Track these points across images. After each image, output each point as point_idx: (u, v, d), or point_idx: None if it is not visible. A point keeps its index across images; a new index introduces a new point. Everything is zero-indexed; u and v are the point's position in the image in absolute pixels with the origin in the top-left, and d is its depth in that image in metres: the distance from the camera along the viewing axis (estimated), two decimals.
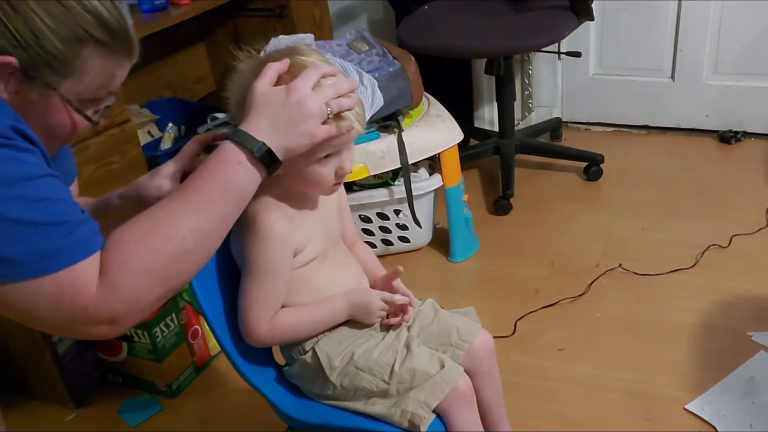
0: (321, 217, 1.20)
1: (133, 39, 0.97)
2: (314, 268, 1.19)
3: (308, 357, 1.20)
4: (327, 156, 1.08)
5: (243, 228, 1.10)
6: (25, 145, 0.86)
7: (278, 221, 1.11)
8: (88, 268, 0.86)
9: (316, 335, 1.20)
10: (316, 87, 1.00)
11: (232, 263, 1.18)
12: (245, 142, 0.96)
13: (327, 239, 1.21)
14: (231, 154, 0.96)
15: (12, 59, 0.88)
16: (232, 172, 0.95)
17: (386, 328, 1.23)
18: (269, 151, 0.96)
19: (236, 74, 1.10)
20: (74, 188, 1.22)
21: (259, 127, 0.97)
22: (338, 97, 1.02)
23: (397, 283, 1.25)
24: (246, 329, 1.15)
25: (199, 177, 0.95)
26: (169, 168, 1.14)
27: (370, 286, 1.28)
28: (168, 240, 0.90)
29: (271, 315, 1.15)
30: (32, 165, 0.86)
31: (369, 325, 1.22)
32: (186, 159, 1.15)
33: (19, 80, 0.90)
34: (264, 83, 1.00)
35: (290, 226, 1.13)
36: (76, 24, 0.90)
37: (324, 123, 1.00)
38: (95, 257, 0.88)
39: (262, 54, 1.12)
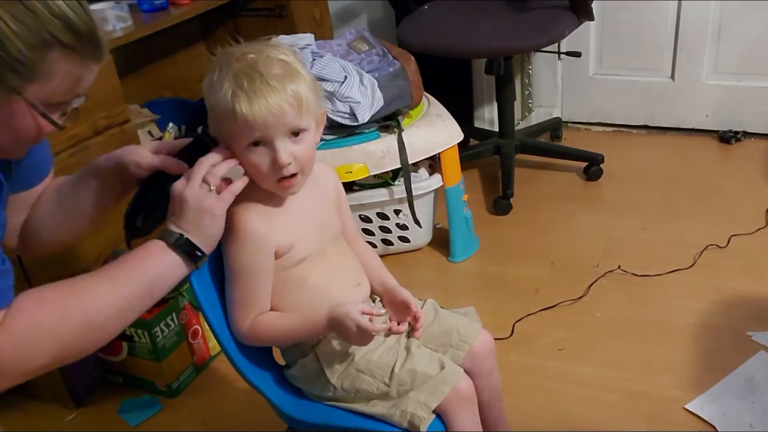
0: (312, 215, 1.19)
1: (101, 41, 0.95)
2: (308, 268, 1.18)
3: (309, 359, 1.20)
4: (257, 144, 1.07)
5: (225, 231, 1.11)
6: None
7: (253, 222, 1.11)
8: None
9: (298, 342, 1.21)
10: (190, 180, 1.05)
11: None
12: (164, 236, 1.04)
13: (322, 237, 1.20)
14: (158, 249, 1.04)
15: None
16: (158, 266, 1.03)
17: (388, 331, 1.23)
18: (188, 241, 1.04)
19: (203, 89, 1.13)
20: (50, 180, 1.23)
21: (180, 225, 1.05)
22: (212, 168, 1.06)
23: (413, 305, 1.21)
24: (231, 327, 1.17)
25: (125, 260, 1.01)
26: (153, 144, 1.17)
27: (375, 291, 1.28)
28: (83, 309, 0.94)
29: (251, 315, 1.15)
30: None
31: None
32: (170, 146, 1.16)
33: None
34: (182, 185, 1.06)
35: (268, 226, 1.12)
36: (42, 28, 0.88)
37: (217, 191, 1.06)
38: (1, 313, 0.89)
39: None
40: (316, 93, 1.10)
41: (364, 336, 1.12)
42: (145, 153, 1.14)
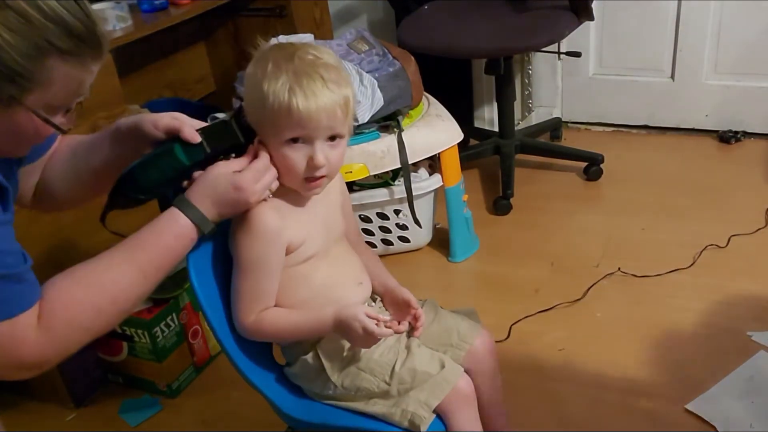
0: (321, 215, 1.20)
1: (100, 40, 0.92)
2: (314, 266, 1.19)
3: (309, 357, 1.20)
4: (296, 141, 1.08)
5: (236, 222, 1.12)
6: None
7: (268, 216, 1.11)
8: (27, 320, 0.90)
9: (302, 340, 1.20)
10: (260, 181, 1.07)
11: (231, 262, 1.18)
12: (200, 224, 1.04)
13: (328, 237, 1.21)
14: (186, 232, 1.04)
15: None
16: (182, 247, 1.04)
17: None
18: (211, 227, 1.06)
19: (246, 78, 1.12)
20: (58, 141, 1.21)
21: (206, 206, 1.05)
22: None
23: (414, 303, 1.22)
24: (234, 319, 1.17)
25: (152, 246, 1.02)
26: (174, 113, 1.12)
27: (375, 291, 1.28)
28: (113, 302, 0.97)
29: (257, 309, 1.15)
30: None
31: None
32: (191, 120, 1.13)
33: None
34: (224, 168, 1.06)
35: (282, 222, 1.12)
36: (37, 36, 0.85)
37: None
38: (34, 309, 0.91)
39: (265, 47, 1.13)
40: (355, 103, 1.14)
41: (368, 339, 1.12)
42: (164, 114, 1.10)
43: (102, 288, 0.97)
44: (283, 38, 2.10)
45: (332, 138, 1.10)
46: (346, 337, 1.15)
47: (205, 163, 1.08)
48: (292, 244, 1.15)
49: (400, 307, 1.23)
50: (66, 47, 0.87)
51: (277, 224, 1.12)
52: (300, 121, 1.06)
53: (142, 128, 1.09)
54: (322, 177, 1.12)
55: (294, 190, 1.15)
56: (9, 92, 0.87)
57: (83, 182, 1.17)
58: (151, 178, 1.08)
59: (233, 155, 1.10)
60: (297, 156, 1.09)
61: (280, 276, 1.15)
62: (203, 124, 1.11)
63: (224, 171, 1.07)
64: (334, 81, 1.07)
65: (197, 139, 1.07)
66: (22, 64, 0.85)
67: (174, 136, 1.08)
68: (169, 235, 1.03)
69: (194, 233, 1.04)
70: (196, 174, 1.08)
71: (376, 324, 1.11)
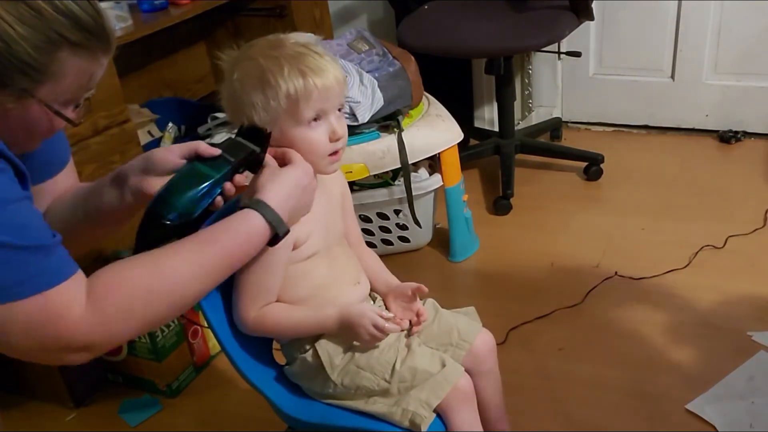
0: (322, 213, 1.20)
1: (109, 33, 0.94)
2: (315, 264, 1.19)
3: (309, 355, 1.20)
4: (315, 120, 1.11)
5: None
6: (1, 164, 0.85)
7: None
8: (64, 294, 0.86)
9: (303, 337, 1.20)
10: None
11: None
12: (276, 225, 1.01)
13: (329, 236, 1.21)
14: (260, 232, 1.01)
15: None
16: (253, 248, 1.02)
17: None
18: (286, 231, 1.04)
19: (224, 75, 1.14)
20: (69, 172, 1.19)
21: (279, 206, 1.03)
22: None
23: (417, 303, 1.25)
24: (236, 312, 1.16)
25: (222, 242, 0.98)
26: (178, 147, 1.10)
27: (378, 291, 1.29)
28: (170, 292, 0.93)
29: (260, 304, 1.14)
30: (5, 190, 0.85)
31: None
32: (191, 149, 1.10)
33: None
34: (301, 168, 1.08)
35: None
36: (48, 28, 0.86)
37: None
38: (74, 281, 0.87)
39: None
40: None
41: (375, 337, 1.13)
42: (174, 146, 1.10)
43: (160, 274, 0.92)
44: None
45: (339, 109, 1.15)
46: (352, 335, 1.16)
47: (230, 175, 1.06)
48: (297, 240, 1.15)
49: (406, 301, 1.24)
50: (77, 40, 0.89)
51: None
52: (320, 97, 1.09)
53: (155, 161, 1.08)
54: (341, 148, 1.15)
55: None
56: (22, 85, 0.88)
57: (82, 229, 1.14)
58: (184, 196, 1.02)
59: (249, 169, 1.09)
60: (319, 134, 1.12)
61: (283, 274, 1.15)
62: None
63: (292, 174, 1.07)
64: (324, 53, 1.12)
65: (216, 152, 1.06)
66: (35, 57, 0.86)
67: (192, 157, 1.07)
68: (242, 233, 1.00)
69: (267, 234, 1.02)
70: (242, 181, 1.07)
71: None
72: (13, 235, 0.82)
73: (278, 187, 1.04)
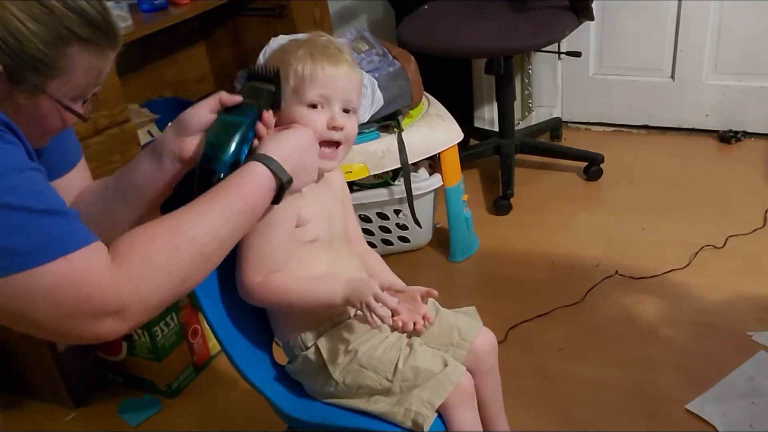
0: (323, 203, 1.21)
1: (117, 30, 0.96)
2: (317, 253, 1.19)
3: (311, 353, 1.20)
4: (318, 106, 1.15)
5: None
6: (12, 139, 0.86)
7: None
8: (89, 256, 0.84)
9: (306, 308, 1.19)
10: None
11: (231, 262, 1.18)
12: (277, 173, 1.02)
13: (331, 228, 1.22)
14: (265, 180, 1.02)
15: None
16: (260, 196, 1.02)
17: (390, 327, 1.23)
18: (289, 180, 1.04)
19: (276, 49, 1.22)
20: (83, 170, 1.20)
21: (282, 159, 1.04)
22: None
23: (424, 307, 1.24)
24: (240, 279, 1.15)
25: (231, 191, 0.99)
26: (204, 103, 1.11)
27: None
28: (192, 241, 0.92)
29: (265, 269, 1.14)
30: (21, 158, 0.85)
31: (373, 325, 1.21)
32: (216, 102, 1.11)
33: (5, 85, 0.89)
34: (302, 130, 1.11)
35: (297, 193, 1.13)
36: (59, 24, 0.89)
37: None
38: (96, 246, 0.86)
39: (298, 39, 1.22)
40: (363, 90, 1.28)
41: (370, 307, 1.10)
42: (200, 103, 1.11)
43: (178, 228, 0.92)
44: (282, 38, 2.10)
45: (346, 110, 1.18)
46: (353, 304, 1.14)
47: (258, 116, 1.10)
48: (301, 217, 1.17)
49: (413, 304, 1.23)
50: (86, 35, 0.91)
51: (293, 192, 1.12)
52: (324, 81, 1.14)
53: (187, 123, 1.09)
54: (338, 145, 1.18)
55: None
56: (34, 81, 0.90)
57: (121, 213, 1.13)
58: (228, 148, 1.06)
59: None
60: (318, 117, 1.15)
61: (287, 245, 1.15)
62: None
63: (291, 134, 1.10)
64: (348, 56, 1.19)
65: (238, 99, 1.10)
66: (46, 53, 0.89)
67: (219, 110, 1.10)
68: (248, 181, 1.01)
69: (272, 181, 1.03)
70: (269, 119, 1.11)
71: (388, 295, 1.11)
72: (31, 200, 0.82)
73: (278, 144, 1.07)
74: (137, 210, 1.12)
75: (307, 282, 1.17)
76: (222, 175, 1.04)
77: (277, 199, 1.05)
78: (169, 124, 1.13)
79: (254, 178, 1.01)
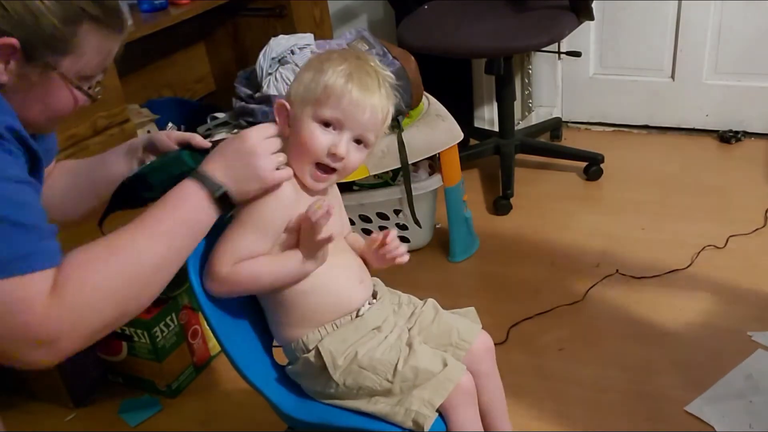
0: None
1: (123, 14, 1.01)
2: None
3: (311, 355, 1.20)
4: (329, 126, 1.11)
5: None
6: (14, 147, 0.88)
7: (288, 186, 1.11)
8: (42, 282, 0.85)
9: (280, 286, 1.17)
10: (268, 139, 1.07)
11: None
12: (205, 183, 1.02)
13: (330, 228, 1.21)
14: (195, 194, 1.02)
15: (13, 40, 0.90)
16: (192, 209, 1.01)
17: (390, 327, 1.23)
18: (225, 193, 1.03)
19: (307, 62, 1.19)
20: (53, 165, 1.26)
21: (216, 170, 1.03)
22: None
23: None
24: (207, 268, 1.14)
25: (160, 210, 1.00)
26: (177, 134, 1.20)
27: (359, 253, 1.30)
28: (128, 263, 0.93)
29: (233, 262, 1.12)
30: (13, 169, 0.87)
31: (372, 324, 1.21)
32: (185, 139, 1.19)
33: (19, 61, 0.92)
34: (239, 136, 1.07)
35: (296, 197, 1.13)
36: (71, 2, 0.92)
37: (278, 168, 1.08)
38: (51, 273, 0.87)
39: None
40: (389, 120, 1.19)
41: (311, 230, 1.10)
42: (174, 132, 1.20)
43: (112, 249, 0.92)
44: (283, 38, 2.10)
45: (359, 141, 1.14)
46: (311, 255, 1.14)
47: None
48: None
49: (379, 249, 1.25)
50: (96, 14, 0.95)
51: (292, 196, 1.12)
52: (346, 106, 1.10)
53: (156, 141, 1.19)
54: (333, 173, 1.14)
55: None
56: (46, 58, 0.93)
57: (86, 198, 1.22)
58: (162, 179, 1.12)
59: None
60: (323, 136, 1.11)
61: (269, 248, 1.14)
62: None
63: (226, 143, 1.08)
64: (386, 89, 1.14)
65: (206, 144, 1.15)
66: (60, 29, 0.92)
67: (184, 145, 1.17)
68: (175, 197, 1.02)
69: (203, 194, 1.02)
70: None
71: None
72: (10, 210, 0.84)
73: (214, 155, 1.06)
74: (101, 198, 1.19)
75: (273, 262, 1.14)
76: (144, 197, 1.12)
77: (226, 209, 1.05)
78: (145, 135, 1.22)
79: (182, 195, 1.02)
